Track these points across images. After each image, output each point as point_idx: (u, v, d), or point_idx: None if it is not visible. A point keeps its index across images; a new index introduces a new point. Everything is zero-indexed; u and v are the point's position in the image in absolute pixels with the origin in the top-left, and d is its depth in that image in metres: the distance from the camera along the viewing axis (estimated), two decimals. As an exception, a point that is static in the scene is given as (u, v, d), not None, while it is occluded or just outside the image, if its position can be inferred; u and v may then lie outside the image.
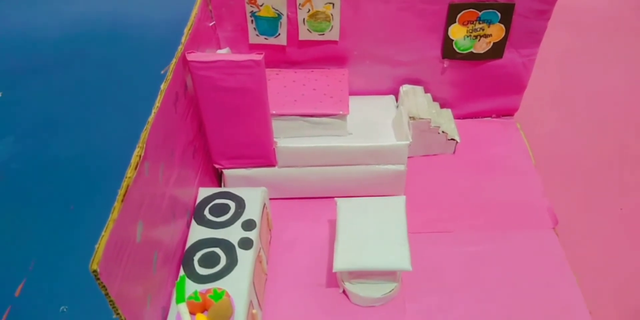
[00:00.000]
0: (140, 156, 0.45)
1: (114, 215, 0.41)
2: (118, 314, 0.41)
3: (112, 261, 0.40)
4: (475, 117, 0.80)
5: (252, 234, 0.58)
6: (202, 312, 0.51)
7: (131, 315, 0.43)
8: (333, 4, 0.67)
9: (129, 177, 0.44)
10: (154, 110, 0.49)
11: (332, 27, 0.70)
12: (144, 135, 0.47)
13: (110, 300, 0.40)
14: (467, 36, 0.70)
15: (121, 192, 0.43)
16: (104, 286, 0.39)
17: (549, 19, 0.69)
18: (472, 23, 0.69)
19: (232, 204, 0.61)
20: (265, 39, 0.71)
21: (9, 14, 1.08)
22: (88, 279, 0.50)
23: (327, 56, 0.73)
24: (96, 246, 0.39)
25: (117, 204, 0.42)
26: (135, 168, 0.44)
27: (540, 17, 0.68)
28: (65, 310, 0.62)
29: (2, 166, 0.79)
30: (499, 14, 0.68)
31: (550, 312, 0.58)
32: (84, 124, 0.84)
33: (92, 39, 0.98)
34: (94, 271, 0.38)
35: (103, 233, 0.39)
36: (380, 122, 0.72)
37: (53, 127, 0.84)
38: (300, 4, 0.67)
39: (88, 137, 0.82)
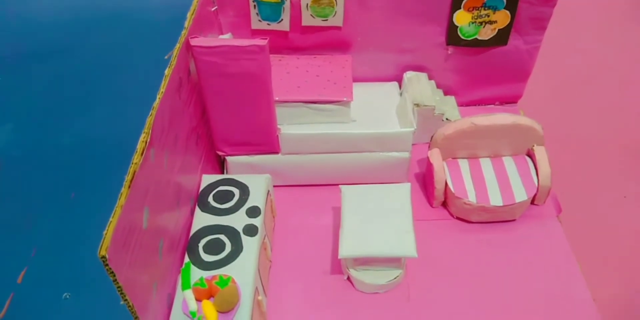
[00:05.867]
0: (146, 142, 0.45)
1: (121, 201, 0.40)
2: (126, 300, 0.41)
3: (120, 247, 0.40)
4: (479, 104, 0.79)
5: (256, 221, 0.57)
6: (208, 298, 0.50)
7: (138, 301, 0.43)
8: (337, -11, 0.66)
9: (136, 163, 0.43)
10: (159, 96, 0.49)
11: (335, 12, 0.69)
12: (150, 121, 0.46)
13: (118, 287, 0.40)
14: (472, 22, 0.70)
15: (128, 178, 0.42)
16: (112, 272, 0.38)
17: (554, 5, 0.68)
18: (478, 9, 0.68)
19: (236, 191, 0.61)
20: (268, 24, 0.70)
21: (8, -1, 1.06)
22: (90, 266, 0.49)
23: (330, 42, 0.72)
24: (104, 232, 0.38)
25: (124, 190, 0.41)
26: (142, 154, 0.44)
27: (546, 3, 0.68)
28: (67, 297, 0.62)
29: (3, 153, 0.78)
30: (505, 0, 0.67)
31: (554, 299, 0.59)
32: (85, 110, 0.83)
33: (94, 24, 0.97)
34: (103, 257, 0.37)
35: (111, 219, 0.39)
36: (383, 109, 0.72)
37: (55, 113, 0.83)
38: (303, -11, 0.66)
39: (90, 123, 0.81)
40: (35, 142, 0.79)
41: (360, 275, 0.59)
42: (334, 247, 0.63)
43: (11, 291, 0.62)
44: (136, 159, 0.44)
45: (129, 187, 0.42)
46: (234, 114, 0.63)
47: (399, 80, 0.76)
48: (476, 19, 0.69)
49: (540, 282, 0.60)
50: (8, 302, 0.61)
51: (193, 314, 0.49)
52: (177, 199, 0.54)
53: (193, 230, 0.57)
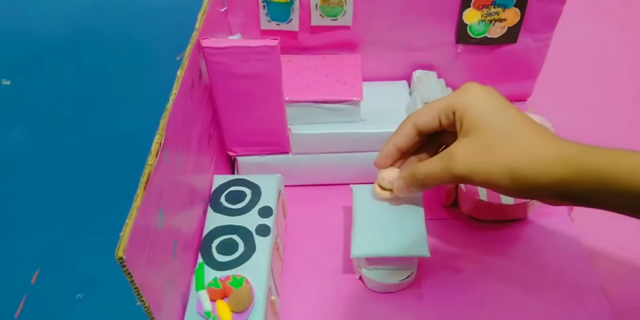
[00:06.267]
0: (160, 143, 0.45)
1: (137, 202, 0.41)
2: (142, 301, 0.41)
3: (137, 248, 0.40)
4: (489, 103, 0.79)
5: (269, 221, 0.58)
6: (222, 298, 0.51)
7: (154, 302, 0.43)
8: (346, -11, 0.66)
9: (151, 165, 0.43)
10: (172, 97, 0.49)
11: (345, 12, 0.69)
12: (163, 122, 0.47)
13: (135, 288, 0.40)
14: (482, 21, 0.70)
15: (143, 179, 0.42)
16: (129, 273, 0.39)
17: (564, 2, 0.68)
18: (487, 7, 0.68)
19: (247, 191, 0.61)
20: (277, 24, 0.71)
21: (18, 0, 1.06)
22: (104, 267, 0.50)
23: (339, 42, 0.72)
24: (121, 233, 0.38)
25: (139, 191, 0.41)
26: (156, 155, 0.44)
27: (556, 1, 0.68)
28: (81, 297, 0.63)
29: (15, 155, 0.78)
30: (514, -2, 0.67)
31: (567, 296, 0.59)
32: (98, 111, 0.83)
33: (105, 26, 0.97)
34: (120, 258, 0.38)
35: (127, 220, 0.39)
36: (393, 108, 0.72)
37: (67, 114, 0.83)
38: (312, -11, 0.66)
39: (103, 124, 0.81)
40: (48, 143, 0.79)
41: (372, 275, 0.59)
42: (346, 246, 0.63)
43: (25, 292, 0.63)
44: (151, 160, 0.44)
45: (145, 188, 0.42)
46: (245, 114, 0.63)
47: (408, 79, 0.76)
48: (486, 17, 0.69)
49: (553, 279, 0.60)
50: (22, 303, 0.62)
51: (208, 314, 0.49)
52: (190, 200, 0.54)
53: (206, 230, 0.57)
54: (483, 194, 0.63)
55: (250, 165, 0.68)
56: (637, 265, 0.63)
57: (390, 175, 0.56)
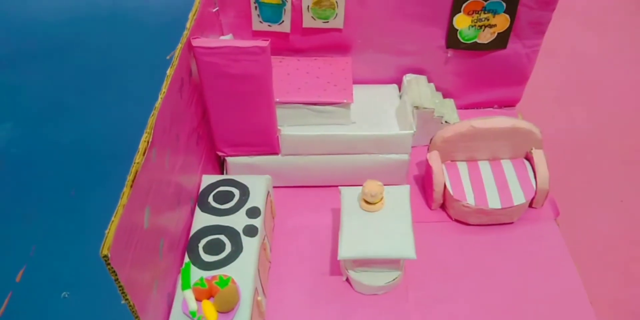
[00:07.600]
0: (148, 142, 0.45)
1: (124, 200, 0.41)
2: (127, 299, 0.41)
3: (122, 247, 0.40)
4: (478, 108, 0.80)
5: (256, 222, 0.58)
6: (208, 298, 0.51)
7: (139, 300, 0.43)
8: (338, -8, 0.67)
9: (138, 163, 0.43)
10: (161, 96, 0.49)
11: (336, 14, 0.69)
12: (152, 120, 0.47)
13: (120, 286, 0.40)
14: (472, 26, 0.70)
15: (130, 177, 0.42)
16: (114, 271, 0.39)
17: (554, 10, 0.69)
18: (477, 13, 0.69)
19: (236, 192, 0.61)
20: (269, 26, 0.71)
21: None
22: (90, 265, 0.49)
23: (330, 44, 0.72)
24: (106, 231, 0.38)
25: (126, 190, 0.41)
26: (144, 154, 0.44)
27: (546, 8, 0.68)
28: (66, 296, 0.62)
29: (4, 151, 0.78)
30: (504, 4, 0.68)
31: (552, 301, 0.59)
32: (87, 109, 0.83)
33: (97, 24, 0.97)
34: (105, 256, 0.37)
35: (113, 218, 0.39)
36: (383, 111, 0.72)
37: (56, 112, 0.83)
38: (305, -9, 0.67)
39: (92, 121, 0.81)
40: (36, 141, 0.79)
41: (359, 277, 0.59)
42: (333, 248, 0.64)
43: (10, 290, 0.62)
44: (138, 158, 0.44)
45: (131, 186, 0.42)
46: (235, 114, 0.63)
47: (399, 82, 0.76)
48: (476, 22, 0.70)
49: (538, 284, 0.60)
50: (6, 300, 0.61)
51: (193, 313, 0.49)
52: (177, 199, 0.54)
53: (193, 230, 0.57)
54: (470, 198, 0.64)
55: (239, 166, 0.68)
56: (621, 271, 0.63)
57: (373, 189, 0.57)
